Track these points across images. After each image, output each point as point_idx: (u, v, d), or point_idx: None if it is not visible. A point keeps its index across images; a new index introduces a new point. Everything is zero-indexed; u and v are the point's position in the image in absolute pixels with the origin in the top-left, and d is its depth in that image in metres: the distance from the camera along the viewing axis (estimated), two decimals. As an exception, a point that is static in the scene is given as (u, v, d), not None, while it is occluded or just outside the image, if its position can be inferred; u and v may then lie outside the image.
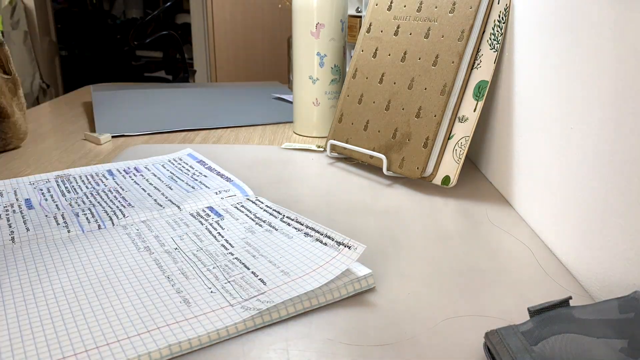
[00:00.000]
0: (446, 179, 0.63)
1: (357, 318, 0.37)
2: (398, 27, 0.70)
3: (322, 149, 0.79)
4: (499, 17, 0.61)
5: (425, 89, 0.66)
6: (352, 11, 1.25)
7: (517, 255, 0.47)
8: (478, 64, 0.63)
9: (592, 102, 0.41)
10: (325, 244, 0.44)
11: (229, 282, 0.40)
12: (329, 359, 0.33)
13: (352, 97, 0.75)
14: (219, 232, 0.49)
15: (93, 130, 0.92)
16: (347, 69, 0.79)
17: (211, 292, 0.38)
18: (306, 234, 0.46)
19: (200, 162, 0.70)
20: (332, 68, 0.83)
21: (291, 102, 1.13)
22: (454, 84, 0.63)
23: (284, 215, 0.51)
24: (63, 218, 0.51)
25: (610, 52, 0.39)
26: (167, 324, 0.34)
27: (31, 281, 0.39)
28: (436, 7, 0.66)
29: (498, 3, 0.61)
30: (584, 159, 0.43)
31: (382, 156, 0.65)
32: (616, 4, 0.38)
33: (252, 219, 0.51)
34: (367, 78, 0.74)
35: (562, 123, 0.47)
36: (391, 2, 0.72)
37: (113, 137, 0.86)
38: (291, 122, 0.94)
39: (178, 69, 2.96)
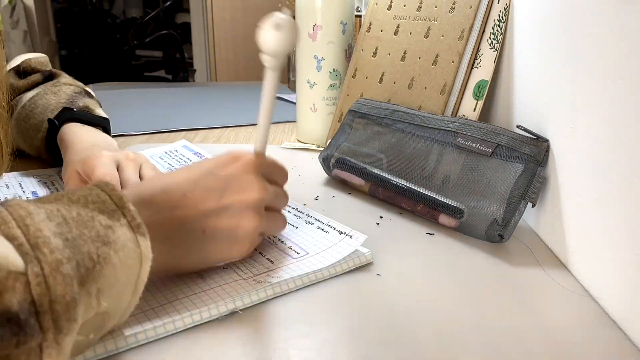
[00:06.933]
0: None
1: (357, 317, 0.37)
2: (398, 27, 0.70)
3: (322, 148, 0.79)
4: (499, 16, 0.61)
5: (425, 88, 0.66)
6: (351, 10, 1.25)
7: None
8: (478, 64, 0.63)
9: (593, 102, 0.41)
10: (327, 232, 0.46)
11: (239, 261, 0.42)
12: (329, 359, 0.33)
13: (352, 97, 0.75)
14: None
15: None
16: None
17: (223, 268, 0.41)
18: (307, 222, 0.49)
19: (197, 153, 0.71)
20: (330, 72, 0.77)
21: (291, 102, 1.13)
22: (453, 84, 0.63)
23: None
24: None
25: (610, 51, 0.39)
26: (186, 296, 0.37)
27: None
28: (436, 7, 0.66)
29: (498, 2, 0.61)
30: (584, 159, 0.43)
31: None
32: (616, 3, 0.38)
33: None
34: (367, 78, 0.74)
35: (561, 122, 0.47)
36: (391, 2, 0.72)
37: (113, 136, 0.86)
38: (291, 121, 0.94)
39: (178, 69, 2.96)
